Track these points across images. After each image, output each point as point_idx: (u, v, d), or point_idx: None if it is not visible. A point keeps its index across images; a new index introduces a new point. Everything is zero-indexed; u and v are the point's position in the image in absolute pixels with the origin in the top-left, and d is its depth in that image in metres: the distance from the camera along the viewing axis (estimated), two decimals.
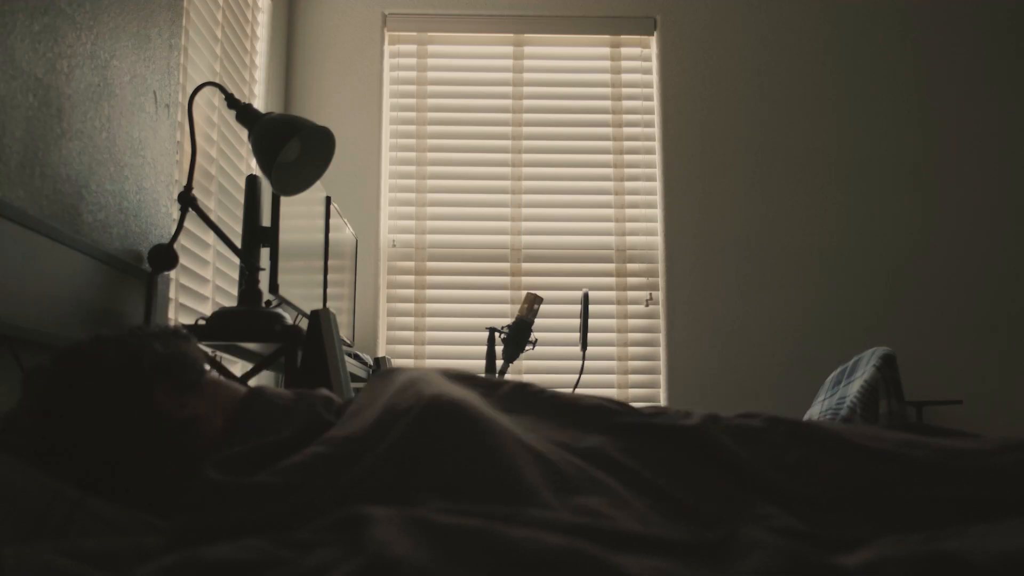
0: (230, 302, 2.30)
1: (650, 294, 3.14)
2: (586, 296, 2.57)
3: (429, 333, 3.08)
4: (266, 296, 1.78)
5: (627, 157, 3.22)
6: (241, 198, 2.08)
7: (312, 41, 3.19)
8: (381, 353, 3.02)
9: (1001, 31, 3.24)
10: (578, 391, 0.95)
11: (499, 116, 3.23)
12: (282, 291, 1.81)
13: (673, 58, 3.23)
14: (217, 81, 2.12)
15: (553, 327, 3.01)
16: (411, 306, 3.10)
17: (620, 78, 3.27)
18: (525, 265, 3.14)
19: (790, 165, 3.18)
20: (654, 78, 3.26)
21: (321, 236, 2.19)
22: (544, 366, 3.02)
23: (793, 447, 0.79)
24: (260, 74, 2.82)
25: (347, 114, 3.13)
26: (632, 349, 3.12)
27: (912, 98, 3.21)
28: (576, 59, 3.30)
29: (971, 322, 3.09)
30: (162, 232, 1.79)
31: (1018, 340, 3.08)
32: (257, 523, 0.70)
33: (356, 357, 2.24)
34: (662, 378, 3.09)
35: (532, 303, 2.54)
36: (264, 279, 1.79)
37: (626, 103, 3.25)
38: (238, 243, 1.80)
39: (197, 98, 1.75)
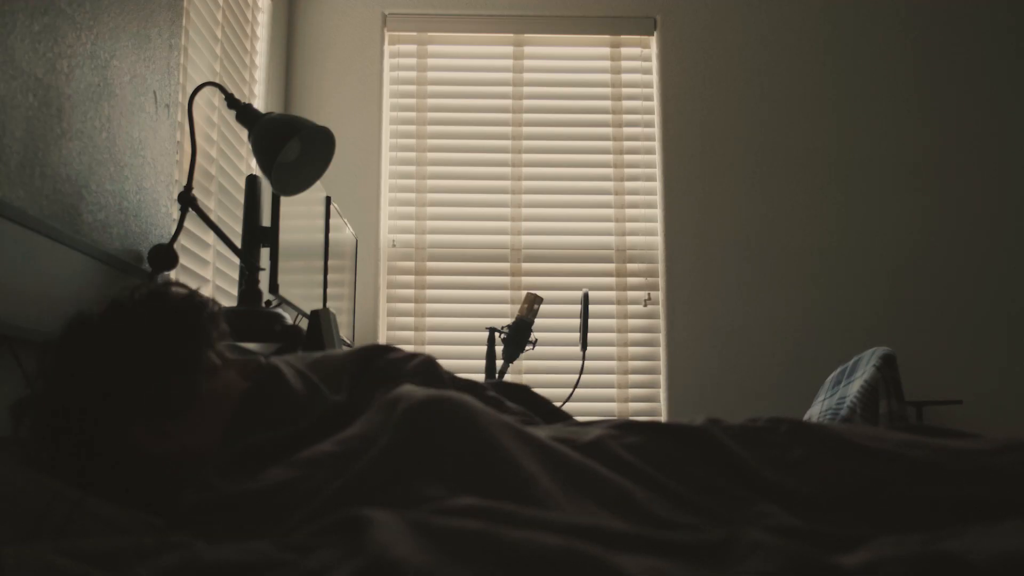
0: (230, 302, 2.30)
1: (648, 294, 3.14)
2: (586, 296, 2.57)
3: (429, 333, 3.08)
4: (266, 296, 1.78)
5: (627, 157, 3.22)
6: (241, 198, 2.08)
7: (312, 41, 3.19)
8: None
9: (1001, 31, 3.24)
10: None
11: (499, 116, 3.23)
12: (282, 291, 1.81)
13: (673, 58, 3.23)
14: (217, 81, 2.12)
15: (553, 327, 3.01)
16: (411, 306, 3.10)
17: (620, 78, 3.27)
18: (525, 265, 3.14)
19: (790, 165, 3.18)
20: (654, 78, 3.26)
21: (321, 236, 2.19)
22: (544, 366, 3.02)
23: (794, 447, 0.79)
24: (260, 74, 2.82)
25: (347, 114, 3.13)
26: (632, 349, 3.12)
27: (912, 98, 3.21)
28: (576, 59, 3.30)
29: (971, 322, 3.09)
30: (162, 232, 1.79)
31: (1018, 340, 3.08)
32: (264, 518, 0.70)
33: None
34: (662, 378, 3.09)
35: (532, 303, 2.54)
36: (264, 279, 1.79)
37: (626, 103, 3.25)
38: (238, 243, 1.80)
39: (197, 98, 1.75)
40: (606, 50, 3.29)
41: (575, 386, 2.58)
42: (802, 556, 0.52)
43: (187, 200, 1.67)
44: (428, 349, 3.06)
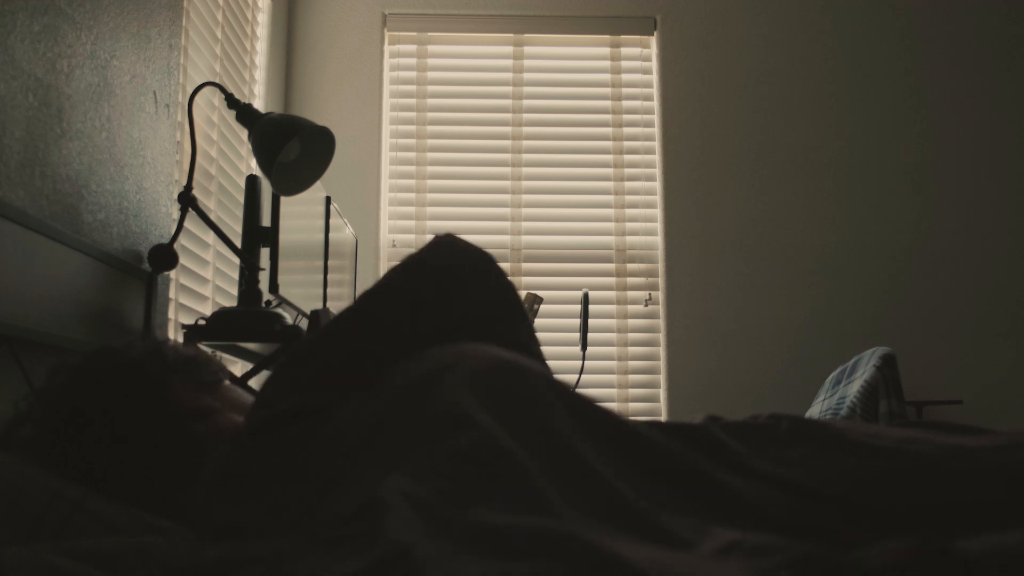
0: (230, 302, 2.30)
1: (649, 294, 3.14)
2: (586, 296, 2.57)
3: None
4: (266, 296, 1.78)
5: (627, 157, 3.22)
6: (241, 198, 2.08)
7: (312, 41, 3.19)
8: None
9: (1001, 31, 3.25)
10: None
11: (499, 116, 3.23)
12: (282, 291, 1.81)
13: (673, 58, 3.23)
14: (217, 81, 2.12)
15: (553, 327, 3.01)
16: None
17: (620, 78, 3.27)
18: (525, 265, 3.14)
19: (790, 165, 3.18)
20: (654, 78, 3.26)
21: (321, 236, 2.19)
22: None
23: (794, 444, 0.79)
24: (260, 74, 2.82)
25: (347, 114, 3.13)
26: (632, 349, 3.12)
27: (912, 98, 3.21)
28: (576, 59, 3.30)
29: (971, 322, 3.09)
30: (162, 232, 1.79)
31: (1018, 340, 3.08)
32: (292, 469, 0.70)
33: None
34: (662, 378, 3.09)
35: (532, 303, 2.54)
36: (264, 279, 1.79)
37: (626, 103, 3.25)
38: (238, 243, 1.80)
39: (197, 98, 1.75)
40: (606, 50, 3.29)
41: (575, 386, 2.58)
42: (811, 552, 0.52)
43: (187, 200, 1.67)
44: None
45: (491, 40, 3.28)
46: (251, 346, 1.86)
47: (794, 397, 2.74)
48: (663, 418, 3.02)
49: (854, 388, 2.15)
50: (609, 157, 3.21)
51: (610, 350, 3.10)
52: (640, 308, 3.14)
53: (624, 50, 3.29)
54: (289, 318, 1.77)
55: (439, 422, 0.66)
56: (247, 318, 1.70)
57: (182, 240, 1.84)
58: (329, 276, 2.22)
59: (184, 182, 1.69)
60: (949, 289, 3.11)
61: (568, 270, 3.15)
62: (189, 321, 1.97)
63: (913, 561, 0.50)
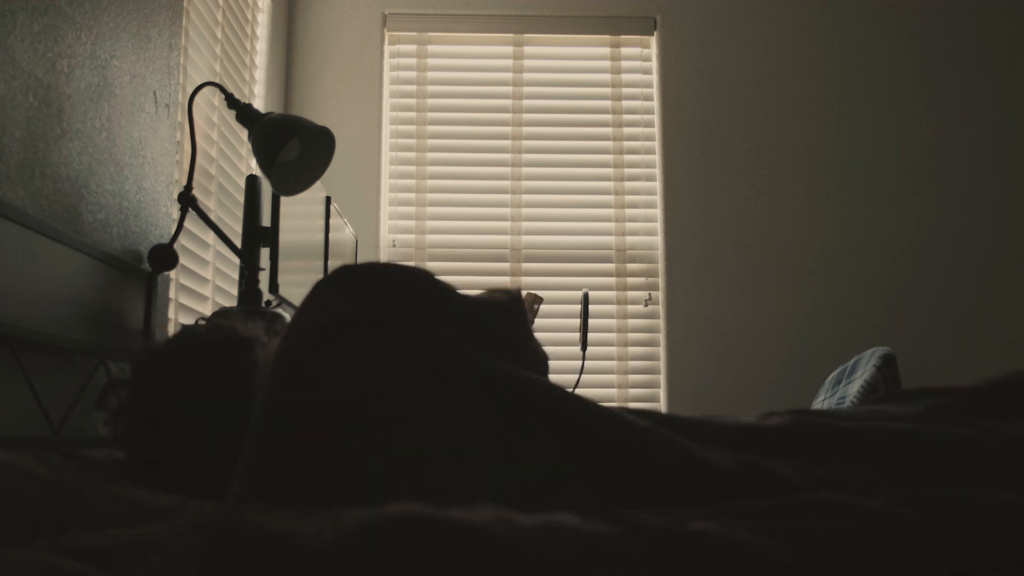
0: (230, 302, 2.30)
1: (649, 294, 3.14)
2: (586, 296, 2.57)
3: None
4: (266, 296, 1.78)
5: (627, 157, 3.22)
6: (241, 198, 2.08)
7: (312, 41, 3.19)
8: None
9: (1001, 31, 3.25)
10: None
11: (499, 116, 3.23)
12: (282, 291, 1.81)
13: (673, 58, 3.23)
14: (217, 81, 2.12)
15: (553, 327, 3.01)
16: None
17: (620, 78, 3.27)
18: (525, 265, 3.14)
19: (790, 165, 3.18)
20: (654, 78, 3.26)
21: (321, 236, 2.19)
22: None
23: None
24: (260, 74, 2.82)
25: (347, 114, 3.13)
26: (632, 349, 3.12)
27: (912, 98, 3.21)
28: (576, 59, 3.30)
29: (971, 322, 3.09)
30: (162, 232, 1.79)
31: (1018, 340, 3.08)
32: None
33: None
34: (662, 378, 3.09)
35: (532, 303, 2.54)
36: (264, 279, 1.79)
37: (626, 103, 3.25)
38: (238, 243, 1.80)
39: (197, 98, 1.75)
40: (606, 50, 3.29)
41: (575, 386, 2.58)
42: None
43: (187, 200, 1.67)
44: None
45: (491, 40, 3.28)
46: None
47: (794, 397, 2.74)
48: None
49: (854, 388, 2.15)
50: (609, 157, 3.21)
51: (610, 350, 3.10)
52: (640, 308, 3.14)
53: (624, 50, 3.29)
54: (289, 318, 1.77)
55: None
56: (247, 318, 1.70)
57: (182, 240, 1.84)
58: None
59: (184, 182, 1.69)
60: (949, 289, 3.11)
61: (568, 270, 3.15)
62: (189, 321, 1.97)
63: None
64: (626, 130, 3.24)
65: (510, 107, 3.23)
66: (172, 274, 1.86)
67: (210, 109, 2.23)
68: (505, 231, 3.15)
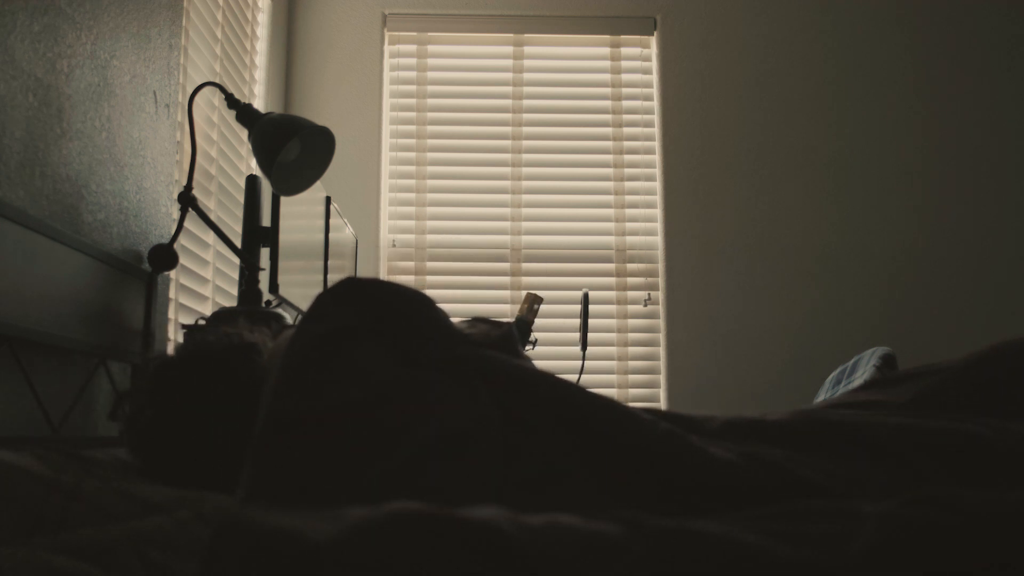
0: (230, 302, 2.30)
1: (648, 294, 3.14)
2: (586, 296, 2.57)
3: None
4: (266, 296, 1.78)
5: (627, 157, 3.22)
6: (241, 198, 2.08)
7: (312, 41, 3.19)
8: None
9: (1001, 31, 3.25)
10: None
11: (499, 116, 3.23)
12: (282, 291, 1.81)
13: (673, 58, 3.23)
14: (217, 81, 2.12)
15: (553, 327, 3.01)
16: None
17: (620, 78, 3.27)
18: (525, 265, 3.14)
19: (790, 165, 3.18)
20: (654, 78, 3.26)
21: (321, 236, 2.19)
22: (544, 366, 3.00)
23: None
24: (260, 74, 2.82)
25: (347, 114, 3.13)
26: (632, 349, 3.12)
27: (912, 98, 3.21)
28: (576, 59, 3.30)
29: (971, 322, 3.09)
30: (162, 232, 1.79)
31: None
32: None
33: None
34: (662, 378, 3.09)
35: (532, 303, 2.54)
36: (264, 279, 1.79)
37: (626, 103, 3.25)
38: (238, 243, 1.80)
39: (197, 98, 1.75)
40: (606, 50, 3.29)
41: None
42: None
43: (187, 200, 1.67)
44: None
45: (491, 40, 3.28)
46: None
47: (794, 397, 2.73)
48: None
49: (854, 388, 2.15)
50: (609, 157, 3.21)
51: (610, 350, 3.10)
52: (640, 308, 3.14)
53: (624, 50, 3.29)
54: (289, 318, 1.77)
55: None
56: (247, 318, 1.70)
57: (182, 240, 1.84)
58: (329, 276, 2.22)
59: (184, 182, 1.69)
60: (949, 289, 3.11)
61: (568, 270, 3.15)
62: (189, 321, 1.97)
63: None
64: (626, 130, 3.24)
65: (510, 107, 3.23)
66: (172, 274, 1.86)
67: (210, 109, 2.23)
68: (505, 231, 3.15)
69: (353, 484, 0.65)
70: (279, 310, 1.78)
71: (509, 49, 3.27)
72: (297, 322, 0.83)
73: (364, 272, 3.00)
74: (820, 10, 3.24)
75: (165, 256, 1.64)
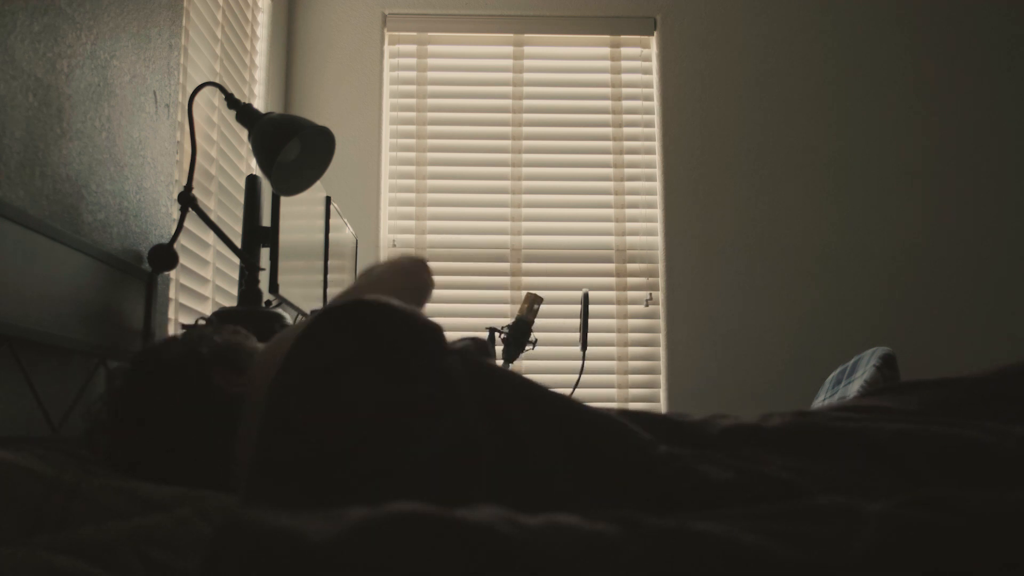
0: (230, 302, 2.30)
1: (650, 294, 3.14)
2: (586, 296, 2.57)
3: None
4: (266, 296, 1.78)
5: (627, 157, 3.22)
6: (241, 198, 2.08)
7: (312, 41, 3.19)
8: None
9: (1001, 31, 3.25)
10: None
11: (499, 116, 3.23)
12: (282, 291, 1.81)
13: (673, 58, 3.23)
14: (217, 81, 2.12)
15: (553, 327, 3.01)
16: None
17: (620, 78, 3.27)
18: (525, 265, 3.14)
19: (790, 165, 3.18)
20: (654, 78, 3.26)
21: (321, 236, 2.19)
22: (544, 366, 3.02)
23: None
24: (260, 74, 2.82)
25: (347, 114, 3.13)
26: (632, 349, 3.12)
27: (912, 98, 3.21)
28: (576, 59, 3.30)
29: (971, 322, 3.09)
30: (162, 232, 1.79)
31: (1018, 340, 3.07)
32: None
33: None
34: (662, 378, 3.09)
35: (532, 303, 2.54)
36: (264, 279, 1.79)
37: (626, 103, 3.25)
38: (238, 243, 1.80)
39: (197, 98, 1.75)
40: (606, 50, 3.29)
41: (575, 386, 2.58)
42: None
43: (187, 200, 1.67)
44: None
45: (491, 40, 3.28)
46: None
47: (794, 397, 2.73)
48: None
49: (854, 388, 2.15)
50: (609, 157, 3.21)
51: (610, 350, 3.10)
52: (640, 308, 3.14)
53: (624, 50, 3.29)
54: (289, 318, 1.77)
55: None
56: (247, 318, 1.70)
57: (182, 240, 1.84)
58: (329, 276, 2.22)
59: (184, 182, 1.69)
60: (949, 289, 3.11)
61: (568, 270, 3.15)
62: (189, 321, 1.97)
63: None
64: (626, 130, 3.24)
65: (510, 107, 3.23)
66: (172, 274, 1.86)
67: (210, 109, 2.23)
68: (505, 231, 3.15)
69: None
70: (279, 310, 1.78)
71: (509, 49, 3.27)
72: (295, 339, 0.83)
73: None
74: (820, 10, 3.24)
75: (165, 256, 1.64)
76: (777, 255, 3.13)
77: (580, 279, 3.11)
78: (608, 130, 3.23)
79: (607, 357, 3.09)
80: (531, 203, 3.17)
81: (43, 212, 1.32)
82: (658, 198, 3.18)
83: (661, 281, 3.14)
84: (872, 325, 3.05)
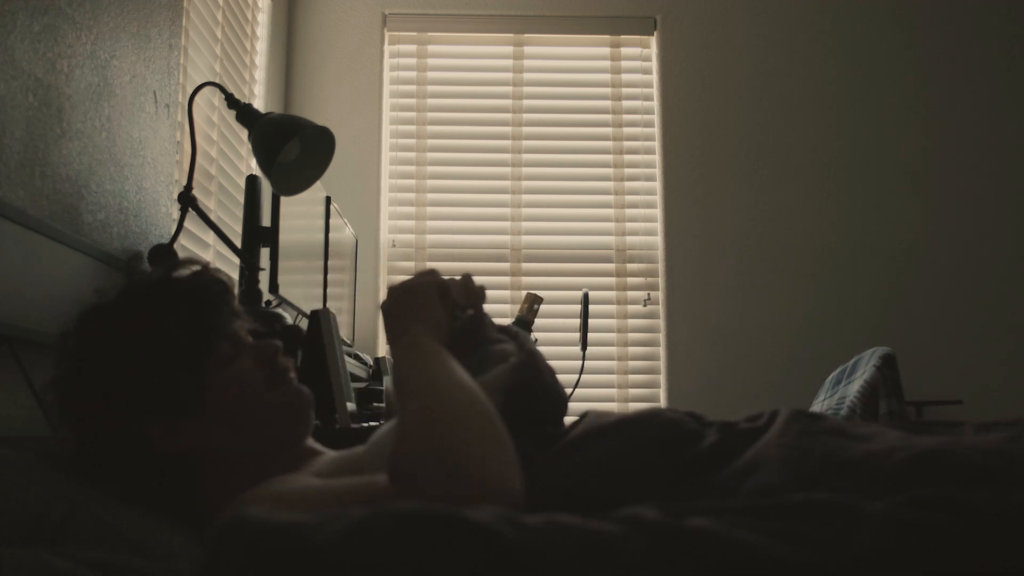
0: None
1: (648, 294, 3.14)
2: (586, 296, 2.57)
3: None
4: (266, 296, 1.78)
5: (627, 157, 3.22)
6: (241, 198, 2.08)
7: (312, 41, 3.19)
8: (381, 353, 3.02)
9: (1001, 31, 3.25)
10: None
11: (499, 116, 3.23)
12: (282, 291, 1.81)
13: (673, 58, 3.23)
14: (217, 81, 2.12)
15: (553, 327, 3.01)
16: None
17: (620, 78, 3.27)
18: (525, 265, 3.14)
19: (790, 165, 3.18)
20: (654, 78, 3.26)
21: (321, 236, 2.19)
22: None
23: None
24: (260, 74, 2.82)
25: (347, 114, 3.13)
26: (632, 349, 3.12)
27: (912, 99, 3.21)
28: (576, 59, 3.30)
29: (971, 322, 3.09)
30: (162, 232, 1.79)
31: (1018, 340, 3.07)
32: None
33: (356, 357, 2.24)
34: (662, 378, 3.09)
35: (532, 303, 2.54)
36: (264, 279, 1.79)
37: (626, 103, 3.25)
38: (238, 243, 1.80)
39: (197, 98, 1.75)
40: (606, 50, 3.29)
41: (575, 386, 2.58)
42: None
43: (187, 200, 1.67)
44: None
45: (491, 40, 3.28)
46: None
47: (794, 397, 2.73)
48: None
49: (854, 388, 2.15)
50: (609, 157, 3.21)
51: (610, 350, 3.10)
52: (640, 308, 3.14)
53: (624, 50, 3.29)
54: (289, 318, 1.77)
55: None
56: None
57: (182, 240, 1.84)
58: (329, 276, 2.22)
59: (184, 182, 1.69)
60: (949, 289, 3.11)
61: (568, 270, 3.14)
62: None
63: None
64: (626, 130, 3.24)
65: (510, 107, 3.23)
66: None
67: (210, 109, 2.23)
68: (505, 231, 3.15)
69: None
70: (279, 310, 1.78)
71: (509, 49, 3.27)
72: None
73: (364, 272, 3.00)
74: (820, 10, 3.24)
75: (165, 256, 1.64)
76: (777, 255, 3.13)
77: (580, 279, 3.11)
78: (608, 130, 3.23)
79: (607, 357, 3.09)
80: (531, 203, 3.17)
81: (43, 212, 1.32)
82: (658, 198, 3.18)
83: (661, 281, 3.14)
84: (872, 325, 3.04)
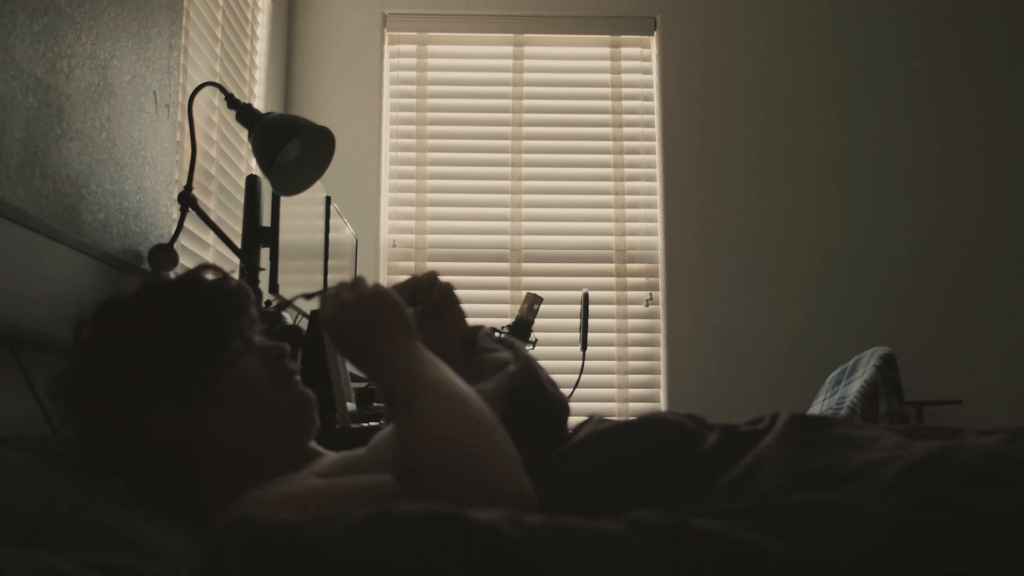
0: None
1: (650, 294, 3.14)
2: (586, 296, 2.57)
3: None
4: (266, 296, 1.78)
5: (627, 157, 3.22)
6: (241, 198, 2.08)
7: (312, 41, 3.19)
8: None
9: (1001, 31, 3.25)
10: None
11: (499, 116, 3.23)
12: (282, 291, 1.81)
13: (673, 58, 3.23)
14: (217, 81, 2.12)
15: (553, 327, 3.00)
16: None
17: (620, 78, 3.27)
18: (525, 265, 3.14)
19: (790, 165, 3.18)
20: (654, 78, 3.26)
21: (321, 236, 2.19)
22: (544, 366, 3.00)
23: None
24: (260, 74, 2.82)
25: (347, 114, 3.13)
26: (632, 349, 3.12)
27: (912, 99, 3.21)
28: (576, 59, 3.30)
29: (971, 322, 3.09)
30: (162, 232, 1.79)
31: (1018, 340, 3.07)
32: None
33: None
34: (662, 378, 3.09)
35: (532, 303, 2.54)
36: (264, 279, 1.78)
37: (626, 103, 3.25)
38: (238, 243, 1.80)
39: (197, 98, 1.75)
40: (606, 50, 3.29)
41: (575, 386, 2.58)
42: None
43: (187, 200, 1.67)
44: None
45: (491, 40, 3.28)
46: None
47: (794, 397, 2.74)
48: None
49: (854, 388, 2.15)
50: (609, 157, 3.21)
51: (610, 350, 3.10)
52: (640, 308, 3.14)
53: (624, 50, 3.29)
54: (289, 318, 1.77)
55: None
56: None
57: (182, 240, 1.84)
58: (329, 276, 2.22)
59: (184, 182, 1.69)
60: (949, 289, 3.11)
61: (568, 270, 3.14)
62: None
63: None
64: (626, 130, 3.24)
65: (510, 107, 3.23)
66: (172, 274, 1.86)
67: (210, 109, 2.23)
68: (505, 231, 3.15)
69: None
70: (281, 308, 1.78)
71: (509, 49, 3.27)
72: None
73: (364, 272, 3.00)
74: (820, 10, 3.24)
75: (165, 256, 1.64)
76: (777, 255, 3.13)
77: (580, 279, 3.11)
78: (608, 130, 3.23)
79: (607, 357, 3.09)
80: (531, 203, 3.17)
81: (43, 212, 1.32)
82: (658, 198, 3.18)
83: (661, 281, 3.14)
84: (872, 325, 3.05)
